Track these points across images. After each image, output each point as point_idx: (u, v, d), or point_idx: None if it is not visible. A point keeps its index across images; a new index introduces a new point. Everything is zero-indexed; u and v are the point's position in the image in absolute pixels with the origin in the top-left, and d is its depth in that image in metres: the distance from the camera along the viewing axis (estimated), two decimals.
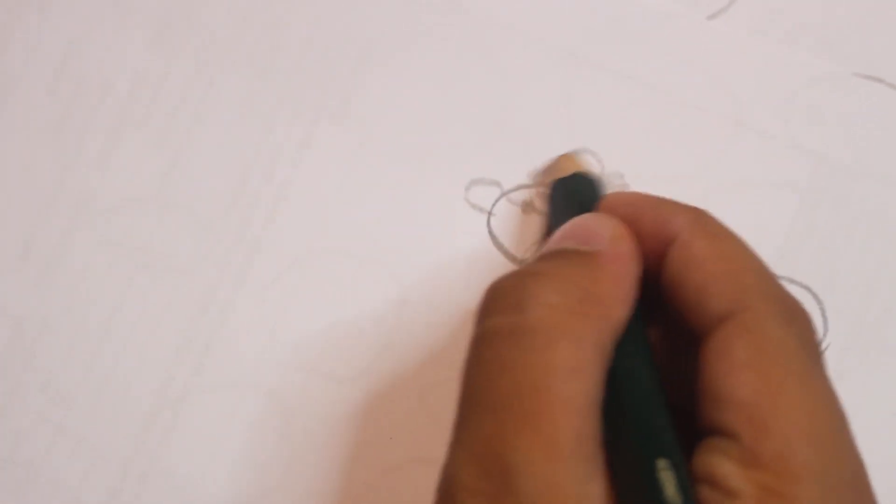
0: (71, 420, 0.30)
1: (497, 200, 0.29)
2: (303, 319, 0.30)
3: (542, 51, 0.30)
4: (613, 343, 0.21)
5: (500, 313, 0.20)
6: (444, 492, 0.19)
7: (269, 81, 0.30)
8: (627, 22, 0.30)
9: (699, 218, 0.22)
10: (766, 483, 0.18)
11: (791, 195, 0.29)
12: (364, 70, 0.30)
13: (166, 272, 0.30)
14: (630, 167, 0.29)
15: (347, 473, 0.29)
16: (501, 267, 0.29)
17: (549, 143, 0.29)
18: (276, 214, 0.30)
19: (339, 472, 0.29)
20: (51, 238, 0.31)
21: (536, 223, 0.29)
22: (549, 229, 0.27)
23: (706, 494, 0.19)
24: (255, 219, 0.30)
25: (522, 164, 0.29)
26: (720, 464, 0.19)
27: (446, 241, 0.29)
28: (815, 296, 0.28)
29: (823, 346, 0.28)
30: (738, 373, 0.19)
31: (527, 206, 0.29)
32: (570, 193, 0.27)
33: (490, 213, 0.29)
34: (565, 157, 0.29)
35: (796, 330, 0.20)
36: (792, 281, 0.28)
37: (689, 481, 0.19)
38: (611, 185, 0.29)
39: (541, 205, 0.29)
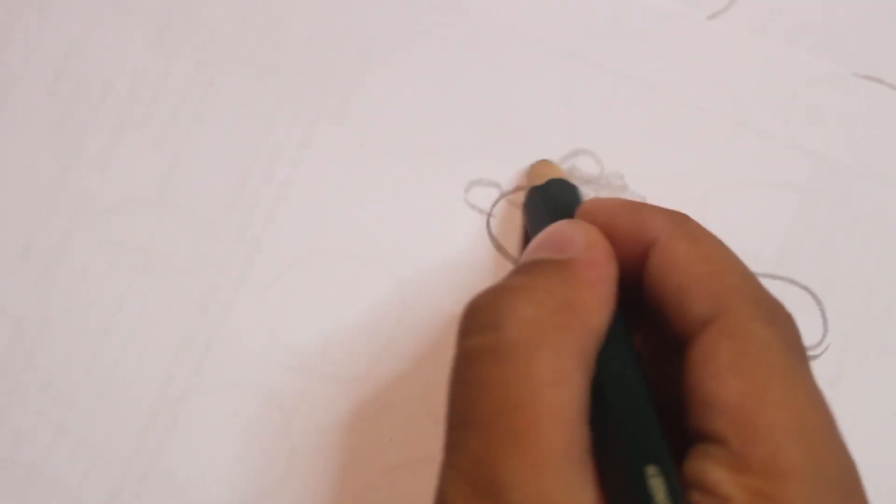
0: (71, 420, 0.30)
1: (496, 202, 0.29)
2: (303, 319, 0.30)
3: (542, 51, 0.30)
4: (595, 350, 0.20)
5: (479, 331, 0.20)
6: None
7: (269, 81, 0.30)
8: (627, 22, 0.30)
9: (678, 221, 0.22)
10: (757, 487, 0.18)
11: (791, 195, 0.29)
12: (364, 70, 0.30)
13: (166, 272, 0.30)
14: (630, 167, 0.29)
15: (347, 473, 0.29)
16: (501, 268, 0.29)
17: (549, 144, 0.29)
18: (276, 214, 0.30)
19: (338, 472, 0.29)
20: (51, 238, 0.31)
21: None
22: (528, 238, 0.27)
23: (697, 500, 0.19)
24: (255, 219, 0.30)
25: (522, 164, 0.29)
26: (710, 469, 0.19)
27: (446, 241, 0.29)
28: (814, 296, 0.28)
29: (823, 346, 0.28)
30: (722, 377, 0.19)
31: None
32: (547, 200, 0.26)
33: (489, 215, 0.29)
34: (541, 164, 0.28)
35: (779, 330, 0.20)
36: (792, 281, 0.28)
37: (680, 487, 0.19)
38: (611, 186, 0.29)
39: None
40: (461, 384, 0.20)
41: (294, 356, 0.29)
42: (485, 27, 0.30)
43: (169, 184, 0.30)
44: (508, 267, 0.29)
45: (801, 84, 0.29)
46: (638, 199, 0.28)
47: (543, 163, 0.28)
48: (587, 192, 0.29)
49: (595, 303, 0.21)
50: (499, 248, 0.29)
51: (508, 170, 0.29)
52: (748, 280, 0.21)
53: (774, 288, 0.23)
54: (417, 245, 0.29)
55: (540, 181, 0.27)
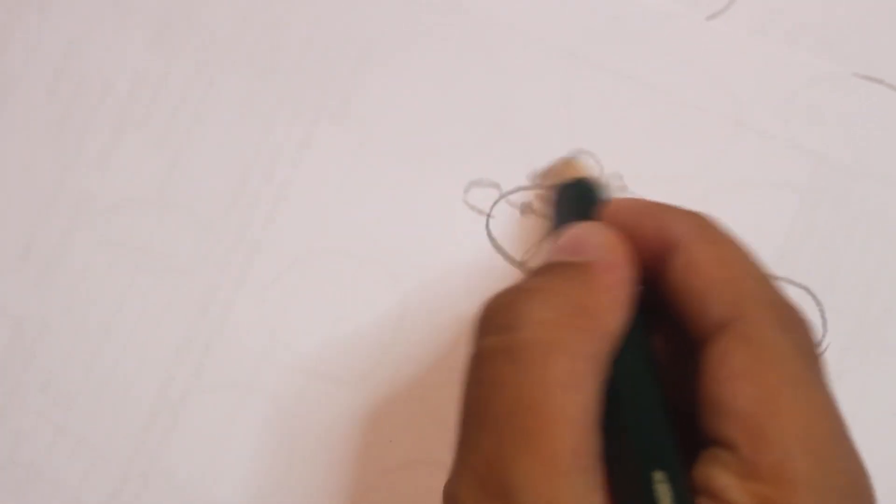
0: (71, 420, 0.30)
1: (496, 202, 0.29)
2: (303, 320, 0.30)
3: (542, 51, 0.30)
4: (610, 353, 0.21)
5: (495, 332, 0.21)
6: None
7: (269, 81, 0.30)
8: (627, 22, 0.30)
9: (700, 224, 0.22)
10: (765, 495, 0.18)
11: (791, 195, 0.29)
12: (364, 70, 0.30)
13: (166, 272, 0.30)
14: (630, 167, 0.29)
15: (347, 474, 0.29)
16: (500, 269, 0.29)
17: (548, 144, 0.29)
18: (276, 214, 0.30)
19: (339, 472, 0.29)
20: (51, 238, 0.31)
21: (535, 225, 0.29)
22: (552, 233, 0.27)
23: None
24: (255, 219, 0.30)
25: (522, 165, 0.29)
26: (719, 475, 0.19)
27: (446, 242, 0.29)
28: (814, 296, 0.28)
29: (823, 346, 0.28)
30: (735, 382, 0.19)
31: (526, 208, 0.29)
32: (573, 199, 0.27)
33: (489, 216, 0.29)
34: (567, 162, 0.28)
35: (794, 337, 0.20)
36: (791, 281, 0.28)
37: (688, 493, 0.19)
38: (610, 186, 0.29)
39: (540, 207, 0.29)
40: (475, 384, 0.20)
41: (294, 356, 0.29)
42: (485, 27, 0.30)
43: (169, 184, 0.30)
44: (508, 268, 0.29)
45: (801, 84, 0.29)
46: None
47: (569, 160, 0.29)
48: None
49: (611, 306, 0.21)
50: (498, 248, 0.29)
51: (508, 170, 0.29)
52: (765, 285, 0.21)
53: None
54: (417, 245, 0.29)
55: (566, 179, 0.27)
